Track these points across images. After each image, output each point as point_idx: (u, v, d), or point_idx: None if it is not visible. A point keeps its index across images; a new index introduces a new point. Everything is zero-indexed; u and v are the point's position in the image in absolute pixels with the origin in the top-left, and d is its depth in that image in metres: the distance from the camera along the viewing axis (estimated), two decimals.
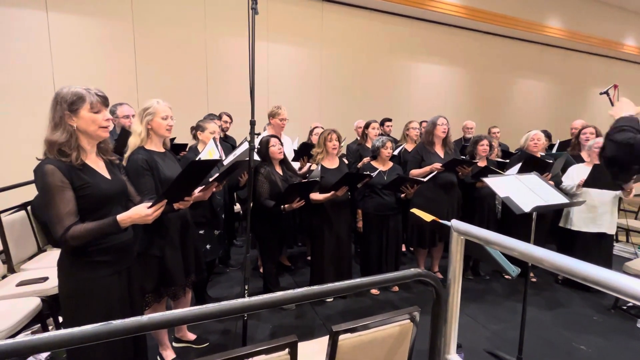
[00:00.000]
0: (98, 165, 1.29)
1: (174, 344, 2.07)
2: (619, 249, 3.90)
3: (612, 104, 2.91)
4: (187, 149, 2.81)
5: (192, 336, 2.12)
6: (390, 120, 4.34)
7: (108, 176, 1.30)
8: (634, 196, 2.67)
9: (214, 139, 2.20)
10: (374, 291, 2.85)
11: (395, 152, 3.41)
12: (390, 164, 2.86)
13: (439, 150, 2.91)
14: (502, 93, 7.37)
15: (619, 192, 2.67)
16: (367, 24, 5.68)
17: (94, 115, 1.21)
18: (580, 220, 2.81)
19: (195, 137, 2.51)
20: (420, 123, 4.25)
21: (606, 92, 2.85)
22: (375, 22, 5.74)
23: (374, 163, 2.84)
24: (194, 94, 4.60)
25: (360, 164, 3.13)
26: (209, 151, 2.22)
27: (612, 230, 2.81)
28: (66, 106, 1.16)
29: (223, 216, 2.48)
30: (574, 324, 2.44)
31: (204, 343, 2.11)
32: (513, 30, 6.67)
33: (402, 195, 2.67)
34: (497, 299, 2.80)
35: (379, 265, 2.80)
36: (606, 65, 8.58)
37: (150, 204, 1.24)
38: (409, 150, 3.28)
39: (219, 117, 3.40)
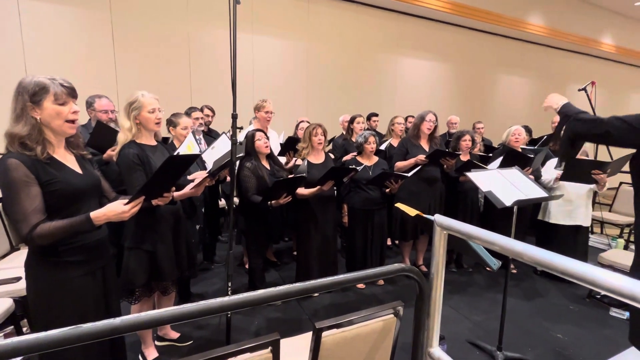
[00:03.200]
0: (67, 159, 1.22)
1: (157, 343, 2.03)
2: (594, 240, 4.06)
3: (590, 100, 3.00)
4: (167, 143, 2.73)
5: (175, 334, 2.09)
6: (376, 115, 4.35)
7: (79, 170, 1.23)
8: (607, 189, 2.77)
9: (194, 132, 2.14)
10: (360, 285, 2.87)
11: (382, 147, 3.42)
12: (376, 158, 2.86)
13: (425, 145, 2.94)
14: (486, 88, 7.49)
15: (593, 186, 2.77)
16: (353, 18, 5.64)
17: (59, 107, 1.13)
18: (557, 213, 2.91)
19: (169, 131, 2.43)
20: (406, 118, 4.29)
21: (584, 89, 2.95)
22: (362, 16, 5.71)
23: (359, 158, 2.85)
24: (176, 86, 4.47)
25: (345, 159, 3.13)
26: (188, 145, 2.17)
27: (587, 223, 2.92)
28: (28, 97, 1.09)
29: (203, 210, 2.43)
30: (551, 313, 2.53)
31: (187, 341, 2.07)
32: (497, 27, 6.77)
33: (387, 190, 2.68)
34: (479, 290, 2.87)
35: (364, 259, 2.82)
36: (585, 63, 8.84)
37: (126, 200, 1.19)
38: (395, 145, 3.30)
39: (201, 110, 3.31)
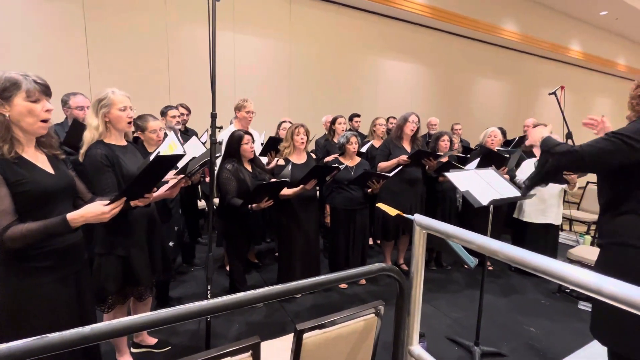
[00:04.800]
0: (38, 158, 1.15)
1: (133, 350, 1.96)
2: (563, 237, 4.27)
3: (559, 104, 3.14)
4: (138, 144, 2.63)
5: (152, 340, 2.02)
6: (358, 115, 4.39)
7: (51, 170, 1.17)
8: (576, 189, 2.93)
9: (174, 131, 2.07)
10: (342, 285, 2.88)
11: (363, 149, 3.45)
12: (358, 159, 2.89)
13: (407, 146, 2.99)
14: (463, 91, 7.73)
15: (564, 186, 2.91)
16: (335, 19, 5.67)
17: (31, 104, 1.07)
18: (531, 212, 3.03)
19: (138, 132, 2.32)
20: (387, 119, 4.35)
21: (554, 93, 3.09)
22: (344, 17, 5.75)
23: (341, 159, 2.86)
24: (154, 84, 4.34)
25: (326, 159, 3.14)
26: (170, 145, 2.10)
27: (558, 221, 3.06)
28: None
29: (180, 211, 2.35)
30: (525, 307, 2.64)
31: (165, 347, 2.01)
32: (473, 32, 7.00)
33: (369, 190, 2.71)
34: (458, 288, 2.95)
35: (346, 259, 2.83)
36: (555, 68, 9.29)
37: (107, 201, 1.14)
38: (377, 146, 3.34)
39: (176, 109, 3.23)
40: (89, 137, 1.52)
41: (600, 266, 1.31)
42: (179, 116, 3.07)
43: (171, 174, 1.64)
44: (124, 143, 1.63)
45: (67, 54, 3.80)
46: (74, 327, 0.62)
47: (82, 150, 1.51)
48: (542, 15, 8.03)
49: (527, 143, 1.61)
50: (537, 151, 3.17)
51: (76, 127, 2.04)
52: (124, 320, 0.64)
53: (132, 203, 1.37)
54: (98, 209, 1.12)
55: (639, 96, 1.29)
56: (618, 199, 1.26)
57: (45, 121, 1.12)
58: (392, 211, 1.43)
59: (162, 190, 1.59)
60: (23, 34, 3.57)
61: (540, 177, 1.47)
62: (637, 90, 1.31)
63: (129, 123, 1.58)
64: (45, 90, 1.12)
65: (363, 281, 2.97)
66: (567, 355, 2.07)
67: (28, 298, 1.11)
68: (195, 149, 2.23)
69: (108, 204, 1.14)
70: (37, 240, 1.07)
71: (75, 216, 1.09)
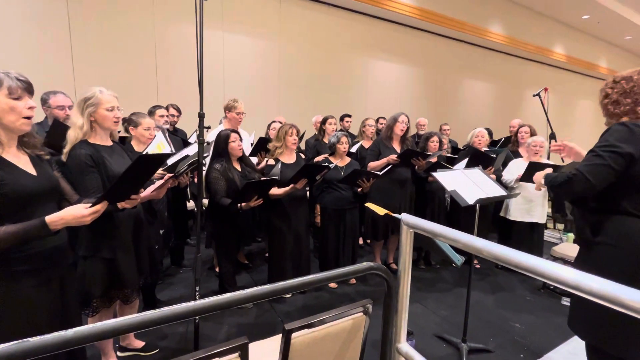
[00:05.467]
0: (20, 159, 1.13)
1: (119, 353, 1.92)
2: (548, 235, 4.37)
3: (543, 105, 3.22)
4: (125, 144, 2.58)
5: (139, 343, 1.98)
6: (349, 116, 4.40)
7: (33, 172, 1.14)
8: None
9: (162, 131, 2.04)
10: (332, 285, 2.89)
11: (353, 149, 3.47)
12: (348, 159, 2.90)
13: (397, 146, 3.02)
14: (451, 92, 7.85)
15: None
16: (325, 19, 5.68)
17: (13, 102, 1.05)
18: (517, 211, 3.10)
19: (126, 131, 2.29)
20: (377, 119, 4.38)
21: (538, 95, 3.17)
22: (333, 18, 5.76)
23: (331, 159, 2.87)
24: (141, 83, 4.27)
25: (317, 159, 3.14)
26: (158, 145, 2.07)
27: (543, 220, 3.13)
28: None
29: (166, 214, 2.32)
30: (510, 304, 2.69)
31: (153, 350, 1.98)
32: (461, 34, 7.11)
33: (359, 189, 2.72)
34: (446, 286, 2.99)
35: (336, 258, 2.84)
36: (539, 70, 9.52)
37: (89, 204, 1.11)
38: (366, 147, 3.36)
39: (166, 109, 3.18)
40: (73, 136, 1.48)
41: (580, 263, 1.36)
42: (167, 116, 3.02)
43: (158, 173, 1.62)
44: (110, 143, 1.60)
45: (49, 51, 3.70)
46: (57, 331, 0.61)
47: (66, 150, 1.48)
48: (527, 18, 8.22)
49: (535, 189, 1.63)
50: (523, 152, 3.25)
51: (57, 127, 1.98)
52: (108, 323, 0.63)
53: (120, 205, 1.35)
54: (78, 212, 1.09)
55: (616, 101, 1.30)
56: (602, 198, 1.30)
57: (27, 118, 1.10)
58: (381, 210, 1.44)
59: (149, 190, 1.56)
60: (2, 29, 3.46)
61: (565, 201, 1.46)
62: (614, 94, 1.30)
63: (115, 122, 1.55)
64: (28, 88, 1.11)
65: (353, 280, 2.98)
66: (551, 349, 2.13)
67: (8, 302, 1.07)
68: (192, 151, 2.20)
69: (90, 207, 1.11)
70: (15, 244, 1.03)
71: (55, 218, 1.06)
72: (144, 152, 1.99)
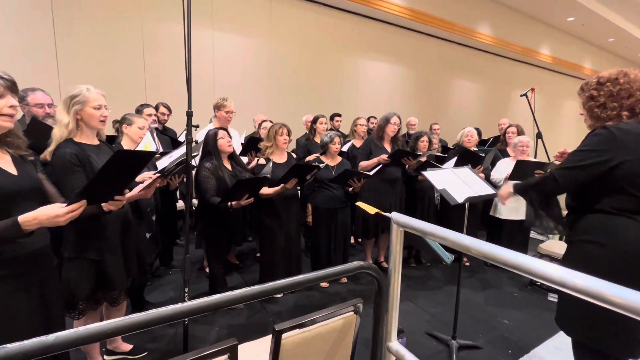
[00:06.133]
0: (2, 159, 1.10)
1: (106, 357, 1.89)
2: (534, 232, 4.45)
3: (530, 105, 3.28)
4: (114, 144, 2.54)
5: (127, 347, 1.94)
6: (339, 115, 4.41)
7: (13, 171, 1.10)
8: None
9: (150, 130, 2.01)
10: (324, 284, 2.89)
11: (345, 148, 3.47)
12: (339, 158, 2.90)
13: (387, 146, 3.03)
14: (441, 92, 7.93)
15: None
16: (315, 18, 5.67)
17: None
18: (506, 209, 3.15)
19: (118, 131, 2.25)
20: (368, 119, 4.39)
21: (525, 95, 3.23)
22: (324, 17, 5.76)
23: (323, 158, 2.86)
24: (129, 82, 4.18)
25: (308, 159, 3.13)
26: (145, 145, 2.04)
27: None
28: None
29: (154, 218, 2.28)
30: (499, 301, 2.74)
31: (141, 353, 1.94)
32: (451, 34, 7.19)
33: (350, 189, 2.73)
34: (436, 283, 3.02)
35: (327, 258, 2.84)
36: (526, 71, 9.70)
37: (65, 203, 1.08)
38: (357, 146, 3.36)
39: (156, 108, 3.13)
40: (58, 134, 1.44)
41: (567, 261, 1.38)
42: (155, 115, 2.97)
43: (152, 173, 1.58)
44: (96, 142, 1.56)
45: (32, 49, 3.60)
46: (38, 336, 0.58)
47: (50, 149, 1.44)
48: (515, 20, 8.37)
49: (502, 203, 1.64)
50: (511, 151, 3.30)
51: (35, 126, 1.92)
52: (91, 328, 0.61)
53: (105, 207, 1.31)
54: (53, 211, 1.04)
55: (603, 104, 1.27)
56: (584, 199, 1.33)
57: (10, 117, 1.07)
58: (371, 209, 1.45)
59: (136, 190, 1.53)
60: None
61: (538, 209, 1.48)
62: (601, 97, 1.27)
63: (102, 121, 1.52)
64: (11, 87, 1.08)
65: (344, 279, 2.99)
66: (538, 345, 2.17)
67: None
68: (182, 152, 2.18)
69: (65, 206, 1.06)
70: None
71: (28, 218, 1.01)
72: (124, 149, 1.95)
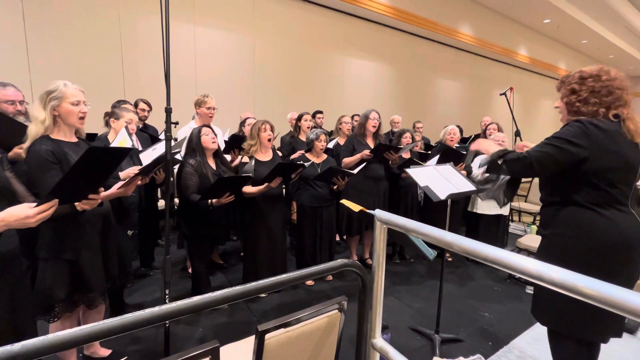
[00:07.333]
0: None
1: None
2: (513, 227, 4.61)
3: (509, 103, 3.36)
4: (95, 139, 2.45)
5: (105, 352, 1.88)
6: (321, 112, 4.40)
7: None
8: (523, 182, 3.16)
9: (126, 127, 1.95)
10: (309, 282, 2.89)
11: (330, 145, 3.47)
12: (325, 156, 2.89)
13: (370, 142, 3.05)
14: (424, 90, 8.05)
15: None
16: (300, 15, 5.63)
17: None
18: (483, 205, 3.23)
19: (107, 124, 2.20)
20: (352, 117, 4.40)
21: (504, 94, 3.32)
22: (308, 14, 5.72)
23: (308, 155, 2.85)
24: (106, 77, 4.03)
25: (293, 156, 3.11)
26: (120, 141, 1.97)
27: (506, 212, 3.30)
28: None
29: (137, 215, 2.22)
30: (479, 294, 2.82)
31: (120, 358, 1.88)
32: (434, 34, 7.30)
33: (334, 187, 2.73)
34: (420, 279, 3.08)
35: (313, 256, 2.83)
36: (505, 71, 9.99)
37: (35, 204, 1.02)
38: (342, 144, 3.37)
39: (135, 105, 3.03)
40: (33, 131, 1.38)
41: (542, 253, 1.43)
42: (135, 112, 2.87)
43: (133, 169, 1.53)
44: (75, 139, 1.50)
45: (1, 41, 3.40)
46: (6, 344, 0.55)
47: (25, 146, 1.37)
48: (494, 21, 8.59)
49: (472, 147, 1.67)
50: None
51: (4, 123, 1.82)
52: (62, 334, 0.58)
53: (78, 207, 1.26)
54: (21, 212, 0.99)
55: (584, 99, 1.28)
56: (557, 193, 1.37)
57: None
58: (355, 207, 1.45)
59: (114, 188, 1.48)
60: None
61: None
62: (583, 92, 1.28)
63: (81, 118, 1.46)
64: None
65: (329, 277, 2.99)
66: (516, 336, 2.24)
67: None
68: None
69: (35, 206, 1.01)
70: None
71: None
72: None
